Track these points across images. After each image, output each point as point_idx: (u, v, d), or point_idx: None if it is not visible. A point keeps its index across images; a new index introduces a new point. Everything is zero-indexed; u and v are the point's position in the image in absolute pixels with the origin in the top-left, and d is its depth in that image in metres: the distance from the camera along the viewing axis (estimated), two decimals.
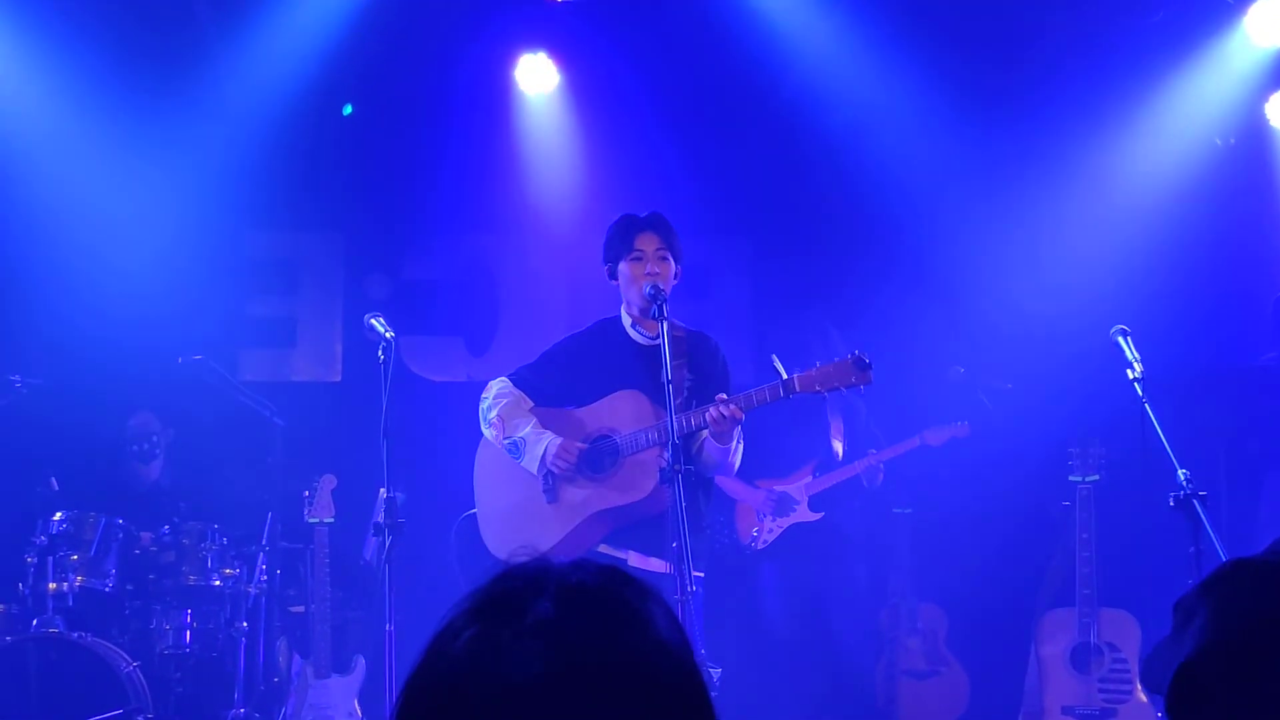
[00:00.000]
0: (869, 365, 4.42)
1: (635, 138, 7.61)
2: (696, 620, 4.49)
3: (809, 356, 6.58)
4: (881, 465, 6.67)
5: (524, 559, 1.27)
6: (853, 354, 4.45)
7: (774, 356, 4.48)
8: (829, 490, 6.70)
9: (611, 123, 7.65)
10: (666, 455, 4.29)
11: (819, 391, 4.46)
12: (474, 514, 5.02)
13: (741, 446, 4.70)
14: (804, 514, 6.67)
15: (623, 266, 4.74)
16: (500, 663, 1.16)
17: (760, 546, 6.69)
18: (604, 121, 7.67)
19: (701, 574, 4.74)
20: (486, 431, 4.87)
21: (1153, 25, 6.82)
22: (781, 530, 6.69)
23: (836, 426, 6.78)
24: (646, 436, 4.60)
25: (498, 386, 4.91)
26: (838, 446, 6.76)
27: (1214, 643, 1.43)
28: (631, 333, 4.82)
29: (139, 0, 6.85)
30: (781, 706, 6.43)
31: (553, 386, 4.88)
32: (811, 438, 6.76)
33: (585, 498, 4.72)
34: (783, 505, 6.65)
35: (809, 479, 6.71)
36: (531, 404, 4.85)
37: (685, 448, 4.56)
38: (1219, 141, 7.24)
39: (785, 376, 4.44)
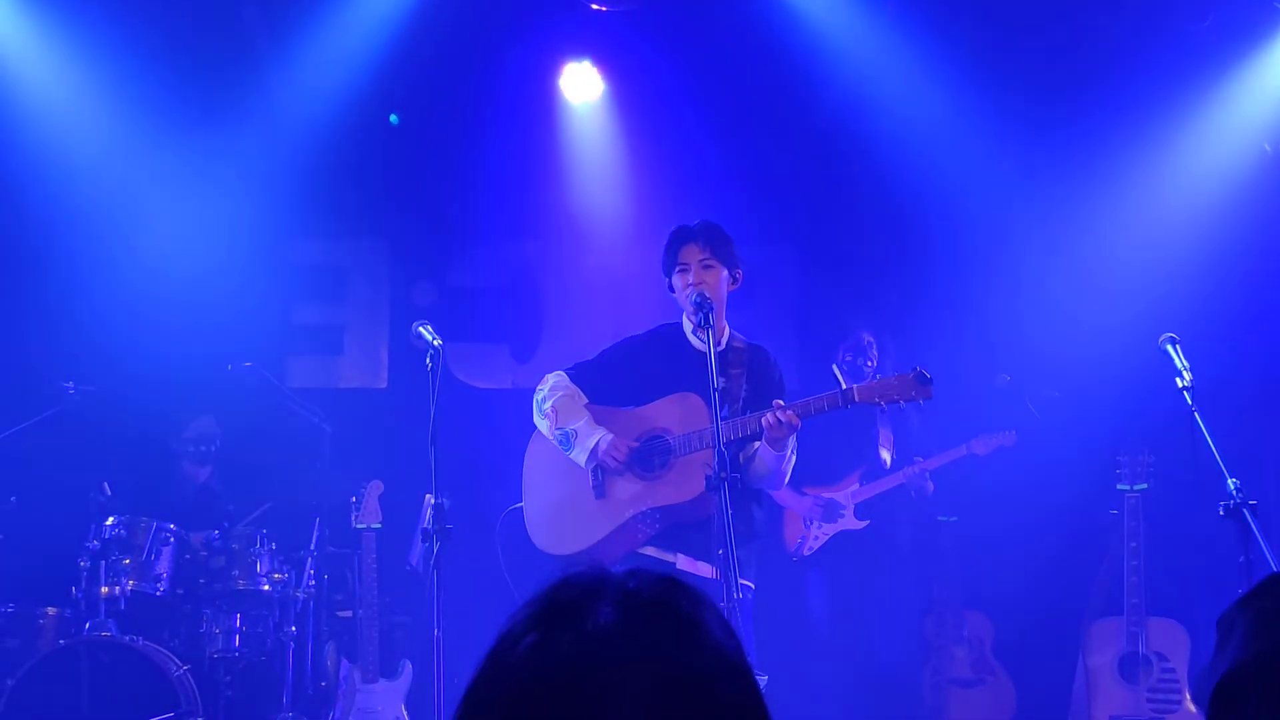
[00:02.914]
0: (930, 380, 4.40)
1: (680, 146, 7.63)
2: (744, 628, 4.48)
3: (861, 364, 6.60)
4: (928, 474, 6.66)
5: (582, 567, 1.29)
6: (914, 369, 4.44)
7: (834, 365, 4.49)
8: (875, 498, 6.69)
9: (656, 131, 7.68)
10: (713, 463, 4.29)
11: (878, 403, 4.46)
12: (519, 508, 5.03)
13: (794, 458, 4.70)
14: (850, 522, 6.66)
15: (674, 279, 4.78)
16: (561, 669, 1.18)
17: (806, 553, 6.70)
18: (648, 130, 7.69)
19: (752, 584, 4.73)
20: (539, 422, 4.88)
21: (1201, 31, 6.77)
22: (827, 538, 6.69)
23: (885, 435, 6.77)
24: (701, 439, 4.60)
25: (554, 379, 4.93)
26: (885, 455, 6.75)
27: (1252, 656, 1.43)
28: (691, 339, 4.82)
29: (190, 12, 6.92)
30: (828, 714, 6.42)
31: (609, 385, 4.89)
32: (859, 445, 6.75)
33: (634, 495, 4.72)
34: (830, 511, 6.65)
35: (855, 486, 6.70)
36: (586, 400, 4.87)
37: (734, 456, 4.56)
38: (1268, 147, 7.18)
39: (844, 386, 4.43)
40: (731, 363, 4.72)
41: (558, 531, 4.85)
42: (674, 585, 1.27)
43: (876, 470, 6.72)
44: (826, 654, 6.65)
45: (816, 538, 6.68)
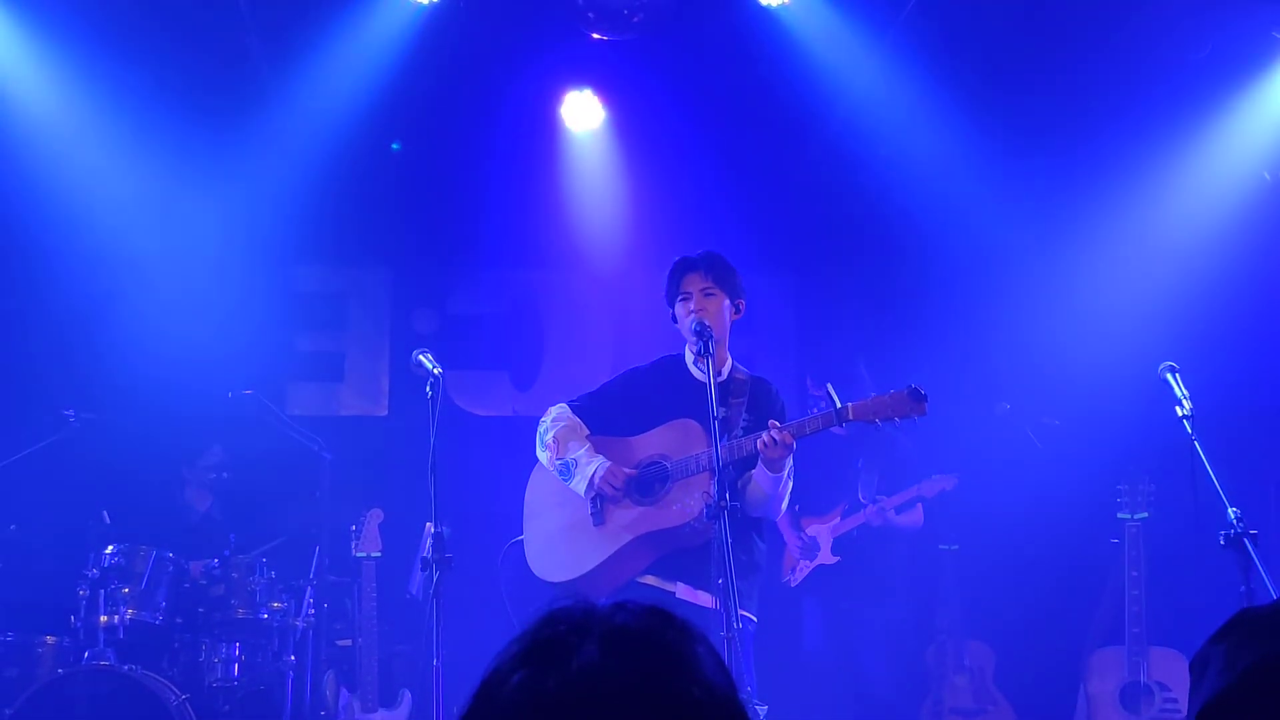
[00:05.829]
0: (925, 397, 4.38)
1: (680, 175, 7.65)
2: (745, 660, 4.45)
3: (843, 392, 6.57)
4: (893, 510, 6.69)
5: (568, 601, 1.27)
6: (909, 386, 4.42)
7: (828, 385, 4.46)
8: (856, 534, 6.71)
9: (657, 160, 7.70)
10: (712, 490, 4.28)
11: (873, 421, 4.43)
12: (520, 540, 5.03)
13: (791, 485, 4.68)
14: (825, 556, 6.70)
15: (676, 308, 4.79)
16: (548, 710, 1.17)
17: (793, 584, 6.74)
18: (649, 158, 7.71)
19: (754, 617, 4.71)
20: (541, 454, 4.89)
21: (1199, 60, 6.79)
22: (808, 572, 6.73)
23: (866, 473, 6.79)
24: (696, 462, 4.60)
25: (556, 411, 4.95)
26: (860, 494, 6.78)
27: (1228, 688, 1.43)
28: (692, 369, 4.83)
29: (192, 38, 6.94)
30: None
31: (611, 415, 4.89)
32: (847, 479, 6.78)
33: (631, 520, 4.71)
34: (808, 549, 6.70)
35: (837, 520, 6.74)
36: (588, 431, 4.87)
37: (733, 483, 4.55)
38: (1267, 176, 7.19)
39: (839, 405, 4.42)
40: (733, 393, 4.72)
41: (555, 559, 4.84)
42: (663, 618, 1.25)
43: (856, 506, 6.77)
44: (826, 684, 6.63)
45: (803, 569, 6.74)
